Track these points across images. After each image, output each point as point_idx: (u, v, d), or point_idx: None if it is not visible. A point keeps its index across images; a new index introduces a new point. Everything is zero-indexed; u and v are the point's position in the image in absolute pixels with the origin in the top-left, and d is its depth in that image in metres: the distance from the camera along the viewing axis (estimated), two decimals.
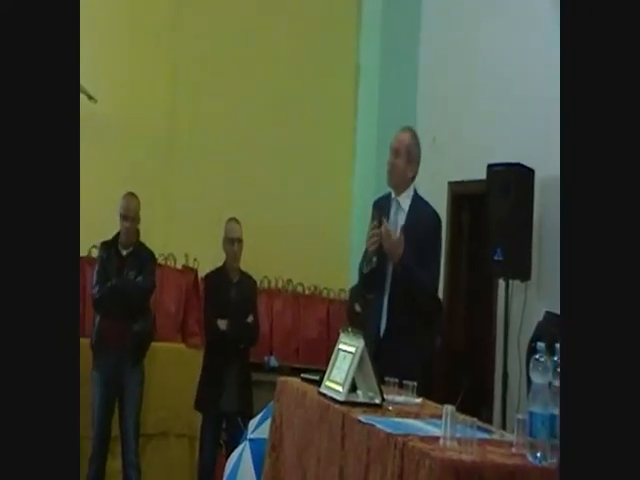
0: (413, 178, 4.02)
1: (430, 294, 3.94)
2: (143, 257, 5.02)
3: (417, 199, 4.01)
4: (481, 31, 5.82)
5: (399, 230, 3.85)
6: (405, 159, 3.97)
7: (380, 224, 3.77)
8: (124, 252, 5.01)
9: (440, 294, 5.42)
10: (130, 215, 4.97)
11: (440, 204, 5.70)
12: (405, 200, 3.97)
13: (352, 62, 6.65)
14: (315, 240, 6.40)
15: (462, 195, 5.87)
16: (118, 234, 5.01)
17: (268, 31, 6.39)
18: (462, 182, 5.76)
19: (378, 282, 3.87)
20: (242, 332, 5.28)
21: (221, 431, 5.20)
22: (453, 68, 6.06)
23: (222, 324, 5.21)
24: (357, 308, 5.35)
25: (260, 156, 6.33)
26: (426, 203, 4.04)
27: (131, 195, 5.03)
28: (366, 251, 3.88)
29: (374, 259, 3.81)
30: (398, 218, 3.95)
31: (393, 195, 4.01)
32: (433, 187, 5.72)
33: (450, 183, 5.92)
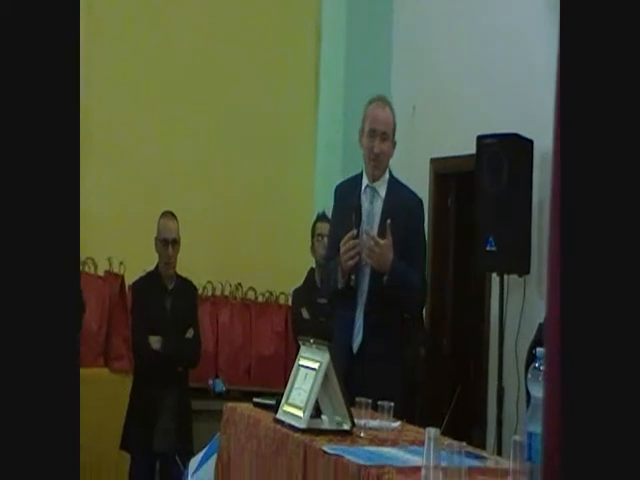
0: None
1: (422, 298, 4.04)
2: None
3: (393, 183, 4.06)
4: None
5: (377, 223, 3.89)
6: (391, 141, 4.02)
7: (358, 233, 3.80)
8: None
9: None
10: None
11: (421, 185, 5.75)
12: (382, 186, 4.02)
13: (313, 24, 6.67)
14: (268, 235, 6.41)
15: (447, 174, 5.94)
16: None
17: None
18: (447, 158, 5.83)
19: (352, 298, 3.91)
20: (180, 351, 5.29)
21: (155, 474, 5.21)
22: (435, 24, 6.10)
23: (155, 342, 5.22)
24: (305, 314, 5.42)
25: (197, 138, 6.34)
26: (403, 186, 4.11)
27: None
28: (335, 264, 3.86)
29: (352, 277, 3.84)
30: (375, 208, 3.99)
31: (367, 182, 4.04)
32: (413, 165, 5.77)
33: (433, 160, 5.99)
